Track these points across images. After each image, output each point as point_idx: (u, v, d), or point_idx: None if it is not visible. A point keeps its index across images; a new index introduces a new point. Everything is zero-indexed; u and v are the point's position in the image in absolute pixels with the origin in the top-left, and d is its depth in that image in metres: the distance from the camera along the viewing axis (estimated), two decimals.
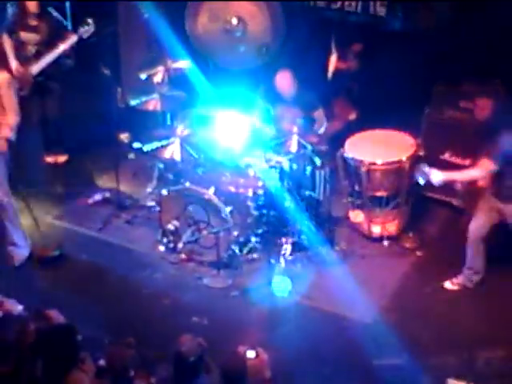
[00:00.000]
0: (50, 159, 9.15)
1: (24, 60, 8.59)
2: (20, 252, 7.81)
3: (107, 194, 8.71)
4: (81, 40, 8.66)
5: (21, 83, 8.35)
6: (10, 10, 8.92)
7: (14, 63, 8.50)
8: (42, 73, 8.64)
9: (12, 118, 7.52)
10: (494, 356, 6.73)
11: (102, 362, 5.75)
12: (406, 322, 7.13)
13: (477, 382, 6.23)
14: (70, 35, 8.63)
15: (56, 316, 5.87)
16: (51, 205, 8.60)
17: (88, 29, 8.65)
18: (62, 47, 8.60)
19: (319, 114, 8.34)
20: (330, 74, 8.91)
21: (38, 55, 8.64)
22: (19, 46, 8.66)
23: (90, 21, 8.63)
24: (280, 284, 7.49)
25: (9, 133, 7.50)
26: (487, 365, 6.67)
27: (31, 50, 8.71)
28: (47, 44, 8.67)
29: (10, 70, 8.14)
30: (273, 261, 7.68)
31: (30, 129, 8.35)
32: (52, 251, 7.91)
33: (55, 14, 9.00)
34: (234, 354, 5.71)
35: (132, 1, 9.36)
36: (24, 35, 8.69)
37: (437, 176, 6.94)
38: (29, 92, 8.55)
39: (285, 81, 8.25)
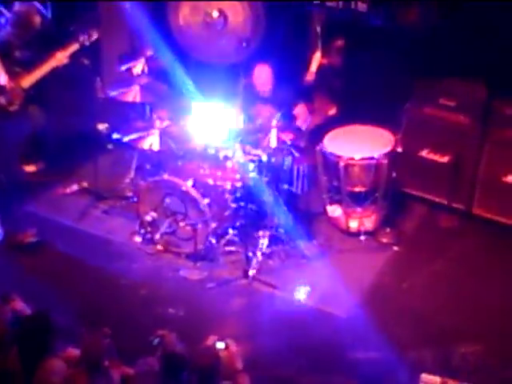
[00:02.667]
0: (28, 168, 8.90)
1: (14, 74, 8.23)
2: None
3: (85, 184, 8.66)
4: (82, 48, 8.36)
5: (11, 98, 8.20)
6: (6, 28, 8.41)
7: (3, 78, 8.15)
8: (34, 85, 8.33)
9: None
10: (470, 351, 6.77)
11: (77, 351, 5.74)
12: (383, 316, 7.14)
13: (452, 377, 6.25)
14: (71, 43, 8.29)
15: (19, 301, 5.87)
16: (28, 194, 8.53)
17: (91, 38, 8.36)
18: (61, 57, 8.24)
19: (301, 109, 8.32)
20: (313, 70, 8.90)
21: (30, 67, 8.27)
22: (10, 61, 8.25)
23: (94, 32, 8.36)
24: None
25: None
26: (462, 360, 6.70)
27: (23, 63, 8.31)
28: (38, 51, 8.36)
29: None
30: (250, 254, 7.67)
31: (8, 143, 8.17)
32: (29, 238, 7.86)
33: (39, 6, 8.86)
34: (207, 346, 5.73)
35: None
36: (18, 54, 8.32)
37: None
38: (20, 106, 8.29)
39: (262, 75, 8.24)
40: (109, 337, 5.66)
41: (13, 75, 8.21)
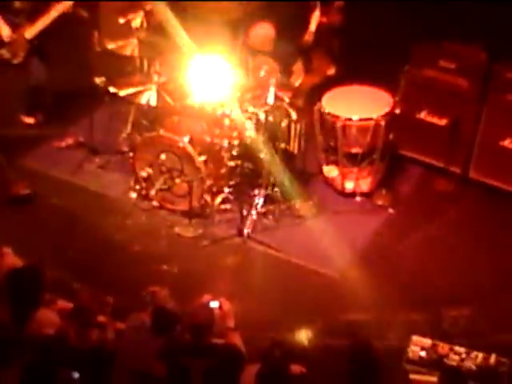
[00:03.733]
0: (27, 120, 8.89)
1: (16, 26, 8.19)
2: None
3: (81, 138, 8.62)
4: None
5: (14, 50, 8.11)
6: None
7: (5, 30, 8.11)
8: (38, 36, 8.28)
9: None
10: (461, 315, 6.80)
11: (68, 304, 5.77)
12: (376, 278, 7.17)
13: (443, 341, 6.29)
14: None
15: (11, 253, 5.88)
16: (25, 146, 8.49)
17: None
18: (64, 7, 8.20)
19: (298, 66, 8.28)
20: (312, 29, 8.83)
21: (32, 17, 8.23)
22: (11, 12, 8.22)
23: None
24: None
25: None
26: (453, 323, 6.74)
27: (23, 14, 8.26)
28: (40, 2, 8.25)
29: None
30: (245, 212, 7.67)
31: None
32: (21, 190, 7.84)
33: None
34: (201, 305, 5.75)
35: None
36: (19, 4, 8.26)
37: None
38: (24, 58, 8.26)
39: (260, 32, 8.16)
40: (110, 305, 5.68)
41: (15, 27, 8.14)
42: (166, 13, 8.53)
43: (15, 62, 8.13)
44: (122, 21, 8.46)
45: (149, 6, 8.57)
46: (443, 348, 6.23)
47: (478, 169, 8.11)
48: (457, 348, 6.20)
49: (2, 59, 7.94)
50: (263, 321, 6.63)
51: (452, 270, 7.29)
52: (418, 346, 6.24)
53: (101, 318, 5.70)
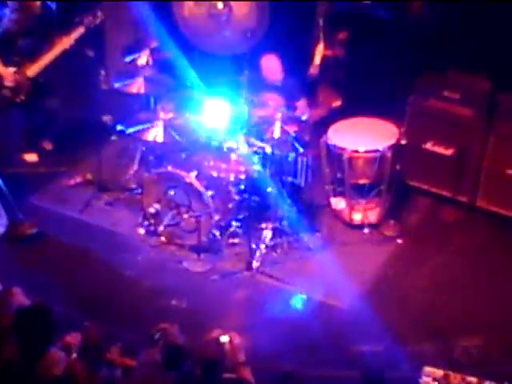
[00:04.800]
0: (28, 157, 8.88)
1: (18, 65, 8.21)
2: None
3: (89, 176, 8.67)
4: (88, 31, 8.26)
5: (16, 90, 8.15)
6: (7, 15, 8.35)
7: (7, 74, 8.11)
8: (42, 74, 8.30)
9: None
10: (472, 345, 6.76)
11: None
12: (386, 309, 7.14)
13: (454, 371, 6.26)
14: (75, 28, 8.22)
15: (20, 294, 5.88)
16: (33, 185, 8.54)
17: (96, 19, 8.26)
18: (66, 42, 8.18)
19: (302, 103, 8.33)
20: (317, 62, 8.90)
21: (33, 56, 8.24)
22: (13, 51, 8.24)
23: (99, 13, 8.29)
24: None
25: None
26: (465, 353, 6.70)
27: (25, 52, 8.27)
28: (42, 39, 8.29)
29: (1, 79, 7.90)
30: (253, 246, 7.68)
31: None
32: (29, 229, 7.87)
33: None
34: (212, 340, 5.74)
35: None
36: (21, 42, 8.28)
37: None
38: (26, 96, 8.28)
39: (270, 64, 8.23)
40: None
41: (17, 66, 8.18)
42: (171, 49, 8.63)
43: (17, 100, 8.18)
44: (127, 59, 8.55)
45: (154, 43, 8.66)
46: (455, 378, 6.17)
47: (485, 197, 8.10)
48: (469, 378, 6.13)
49: (5, 98, 7.97)
50: (273, 354, 6.61)
51: (462, 299, 7.26)
52: (430, 376, 6.18)
53: (110, 355, 5.70)
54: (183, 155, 7.88)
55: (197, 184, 7.54)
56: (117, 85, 8.37)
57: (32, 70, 8.22)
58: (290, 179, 8.05)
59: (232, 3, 8.74)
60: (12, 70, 8.15)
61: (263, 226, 7.85)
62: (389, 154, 7.82)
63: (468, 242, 7.87)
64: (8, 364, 5.47)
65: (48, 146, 8.99)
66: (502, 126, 7.92)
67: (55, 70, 8.48)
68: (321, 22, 8.92)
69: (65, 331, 5.80)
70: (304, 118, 8.24)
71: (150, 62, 8.54)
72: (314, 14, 9.12)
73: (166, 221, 7.73)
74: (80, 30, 8.23)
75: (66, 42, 8.22)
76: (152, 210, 7.75)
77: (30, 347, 5.45)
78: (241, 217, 7.83)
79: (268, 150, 7.76)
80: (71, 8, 8.98)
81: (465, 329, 6.93)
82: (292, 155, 7.99)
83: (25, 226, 7.88)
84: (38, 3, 8.35)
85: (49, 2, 9.38)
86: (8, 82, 8.04)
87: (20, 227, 7.87)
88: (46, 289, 6.57)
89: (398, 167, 8.05)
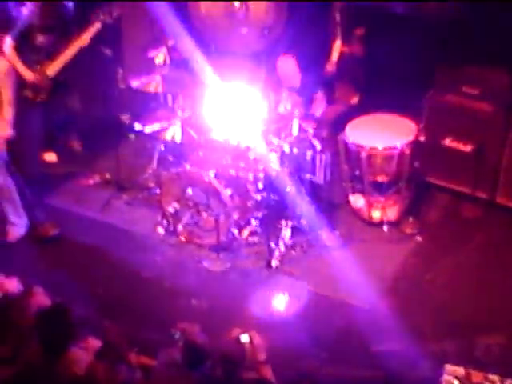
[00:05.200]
0: (47, 157, 8.92)
1: (37, 63, 8.13)
2: (16, 230, 7.86)
3: (107, 175, 8.69)
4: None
5: (37, 90, 8.12)
6: (26, 10, 8.19)
7: (27, 73, 8.01)
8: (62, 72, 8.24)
9: (9, 112, 7.41)
10: (494, 343, 6.73)
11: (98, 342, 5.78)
12: (406, 307, 7.12)
13: (476, 369, 6.23)
14: (92, 24, 8.16)
15: (41, 293, 5.91)
16: (52, 185, 8.56)
17: (113, 15, 8.18)
18: (85, 40, 8.12)
19: (318, 96, 8.32)
20: (334, 59, 8.88)
21: (52, 54, 8.19)
22: (32, 49, 8.13)
23: (115, 8, 8.20)
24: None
25: (9, 131, 7.43)
26: (487, 351, 6.67)
27: (44, 50, 8.17)
28: (60, 38, 8.22)
29: (22, 79, 7.85)
30: (272, 244, 7.67)
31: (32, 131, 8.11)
32: (51, 231, 7.91)
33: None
34: (232, 339, 5.74)
35: None
36: (41, 38, 8.17)
37: None
38: (47, 96, 8.23)
39: (286, 66, 8.22)
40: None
41: (36, 65, 8.20)
42: (189, 47, 8.62)
43: (38, 100, 8.19)
44: (146, 57, 8.56)
45: (171, 41, 8.65)
46: (477, 376, 6.15)
47: (505, 194, 8.05)
48: (491, 376, 6.12)
49: (26, 98, 7.99)
50: (293, 353, 6.59)
51: (483, 296, 7.22)
52: (452, 375, 6.16)
53: (130, 355, 5.72)
54: (201, 154, 7.88)
55: (215, 183, 7.54)
56: (134, 83, 8.38)
57: (52, 69, 8.21)
58: (308, 177, 8.04)
59: (249, 1, 8.73)
60: (32, 69, 8.16)
61: (282, 224, 7.84)
62: (407, 151, 7.79)
63: (488, 238, 7.83)
64: (30, 363, 5.51)
65: (77, 145, 9.01)
66: None
67: (73, 69, 8.47)
68: (338, 18, 8.89)
69: (85, 331, 5.81)
70: (319, 112, 8.23)
71: (168, 61, 8.53)
72: (330, 10, 9.11)
73: (184, 220, 7.73)
74: (97, 26, 8.18)
75: (83, 39, 8.20)
76: (171, 210, 7.76)
77: (51, 347, 5.49)
78: (259, 215, 7.82)
79: (286, 147, 7.76)
80: (88, 6, 9.00)
81: (486, 326, 6.89)
82: (310, 153, 7.98)
83: (47, 227, 7.92)
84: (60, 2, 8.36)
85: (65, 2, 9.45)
86: (29, 82, 8.05)
87: (42, 228, 7.92)
88: (66, 289, 6.57)
89: (416, 164, 8.02)
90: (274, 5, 8.74)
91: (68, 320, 5.60)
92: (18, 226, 7.88)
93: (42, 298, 5.96)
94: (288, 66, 8.23)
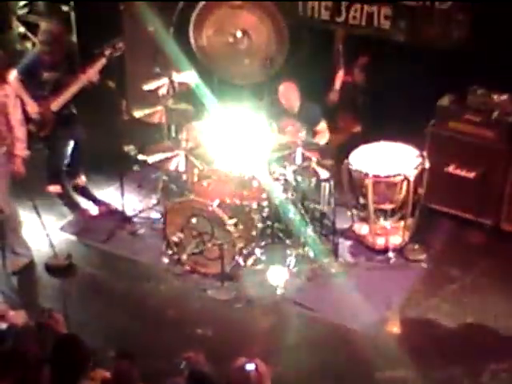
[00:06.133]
0: (52, 189, 8.89)
1: (41, 98, 8.25)
2: (19, 260, 7.87)
3: (112, 206, 8.71)
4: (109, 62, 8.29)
5: (41, 124, 8.22)
6: (37, 47, 8.50)
7: (33, 107, 8.15)
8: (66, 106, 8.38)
9: (20, 131, 7.50)
10: (501, 368, 6.70)
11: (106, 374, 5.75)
12: (411, 334, 7.12)
13: None
14: (98, 59, 8.27)
15: (61, 320, 5.90)
16: (56, 216, 8.59)
17: (117, 50, 8.29)
18: (90, 74, 8.23)
19: (322, 125, 8.36)
20: (337, 88, 8.91)
21: (57, 89, 8.30)
22: (37, 85, 8.25)
23: (120, 43, 8.34)
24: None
25: (23, 150, 7.49)
26: (493, 377, 6.64)
27: (49, 86, 8.31)
28: (65, 74, 8.34)
29: (26, 113, 7.91)
30: (277, 273, 7.66)
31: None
32: (63, 261, 7.92)
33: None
34: (238, 368, 5.71)
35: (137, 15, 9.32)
36: (46, 75, 8.28)
37: None
38: (50, 130, 8.35)
39: (289, 91, 8.27)
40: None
41: (41, 100, 8.25)
42: (192, 79, 8.68)
43: (42, 135, 8.25)
44: (148, 89, 8.61)
45: (174, 73, 8.71)
46: None
47: (509, 220, 8.07)
48: None
49: (29, 132, 8.04)
50: (300, 381, 6.58)
51: (489, 322, 7.20)
52: None
53: None
54: (205, 183, 7.90)
55: (219, 212, 7.55)
56: (138, 115, 8.42)
57: (56, 104, 8.30)
58: (312, 205, 8.05)
59: (251, 32, 8.79)
60: (37, 106, 8.21)
61: (287, 252, 7.83)
62: (411, 178, 7.81)
63: (493, 264, 7.82)
64: None
65: (82, 181, 9.03)
66: None
67: (77, 102, 8.54)
68: (340, 47, 8.95)
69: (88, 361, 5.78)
70: (323, 141, 8.26)
71: (171, 92, 8.58)
72: (333, 40, 9.17)
73: (189, 249, 7.74)
74: (102, 62, 8.28)
75: (89, 75, 8.27)
76: (175, 239, 7.76)
77: (63, 379, 5.46)
78: (264, 244, 7.82)
79: (290, 176, 7.78)
80: (91, 39, 9.08)
81: (493, 352, 6.87)
82: (314, 181, 8.00)
83: (59, 258, 7.93)
84: (67, 40, 8.42)
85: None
86: (33, 115, 8.11)
87: (54, 258, 7.93)
88: (72, 320, 6.54)
89: (420, 191, 8.03)
90: (276, 35, 8.78)
91: (82, 351, 5.58)
92: (21, 257, 7.89)
93: (61, 327, 5.94)
94: (289, 90, 8.27)
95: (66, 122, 8.47)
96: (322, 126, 8.39)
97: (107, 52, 8.25)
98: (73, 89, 8.28)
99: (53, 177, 8.84)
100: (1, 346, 5.69)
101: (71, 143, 8.68)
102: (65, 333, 5.85)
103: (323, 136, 8.37)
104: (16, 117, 7.52)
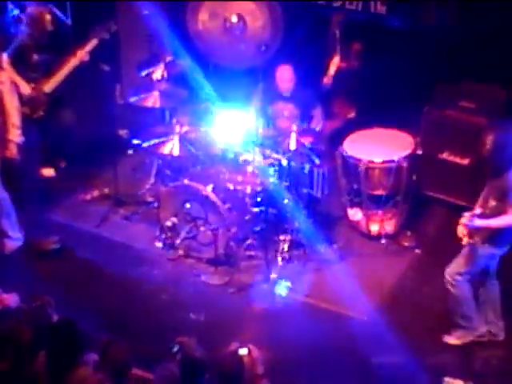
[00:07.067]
0: (45, 172, 8.88)
1: (34, 80, 8.26)
2: (12, 243, 7.89)
3: (105, 190, 8.70)
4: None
5: (34, 106, 8.22)
6: (22, 30, 8.48)
7: (25, 88, 8.16)
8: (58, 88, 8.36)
9: (18, 118, 7.48)
10: (493, 355, 6.73)
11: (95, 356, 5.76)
12: (404, 320, 7.13)
13: (475, 381, 6.22)
14: (89, 40, 8.31)
15: (51, 304, 5.90)
16: (49, 200, 8.56)
17: (109, 30, 8.35)
18: (81, 55, 8.26)
19: (317, 111, 8.35)
20: (331, 73, 8.90)
21: (49, 71, 8.31)
22: (29, 67, 8.28)
23: (112, 24, 8.38)
24: (279, 282, 7.54)
25: (19, 136, 7.47)
26: (486, 364, 6.67)
27: (41, 68, 8.32)
28: (57, 55, 8.36)
29: (19, 95, 7.90)
30: (270, 258, 7.67)
31: (30, 146, 8.05)
32: (52, 245, 7.93)
33: (58, 13, 8.90)
34: (230, 353, 5.72)
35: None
36: (36, 57, 8.32)
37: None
38: (44, 112, 8.34)
39: (286, 74, 8.25)
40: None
41: (33, 82, 8.25)
42: (187, 63, 8.66)
43: (35, 116, 8.23)
44: (143, 73, 8.59)
45: (169, 57, 8.69)
46: None
47: None
48: None
49: (23, 115, 8.03)
50: (291, 366, 6.60)
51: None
52: None
53: (135, 370, 5.70)
54: (199, 168, 7.90)
55: (213, 197, 7.55)
56: (132, 99, 8.40)
57: (49, 86, 8.29)
58: (306, 191, 8.06)
59: (246, 17, 8.77)
60: (29, 86, 8.20)
61: (280, 237, 7.84)
62: (405, 165, 7.82)
63: None
64: (33, 379, 5.49)
65: (62, 163, 9.00)
66: None
67: (70, 85, 8.52)
68: (337, 33, 8.93)
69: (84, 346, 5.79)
70: (318, 127, 8.26)
71: (165, 76, 8.56)
72: (329, 26, 9.14)
73: (182, 234, 7.74)
74: (93, 42, 8.32)
75: (80, 55, 8.29)
76: (169, 224, 7.76)
77: (58, 362, 5.46)
78: (258, 229, 7.83)
79: (284, 161, 7.77)
80: (85, 22, 9.05)
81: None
82: (308, 167, 8.00)
83: (46, 242, 7.93)
84: (49, 19, 8.40)
85: (64, 18, 9.51)
86: (26, 97, 8.10)
87: (42, 242, 7.93)
88: (65, 304, 6.55)
89: (414, 177, 8.04)
90: (271, 20, 8.77)
91: (78, 337, 5.58)
92: (14, 240, 7.90)
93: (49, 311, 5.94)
94: (284, 72, 8.25)
95: (57, 105, 8.46)
96: (318, 110, 8.37)
97: (100, 33, 8.25)
98: (65, 70, 8.30)
99: (46, 160, 8.82)
100: None
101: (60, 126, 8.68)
102: (61, 318, 5.85)
103: (318, 121, 8.35)
104: (12, 104, 7.51)
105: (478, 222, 6.40)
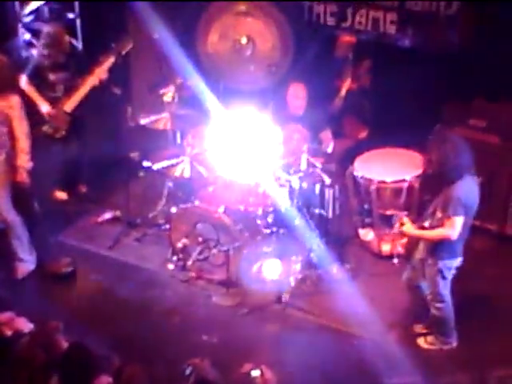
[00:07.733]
0: (58, 195, 8.96)
1: (54, 100, 8.38)
2: (24, 266, 7.91)
3: (117, 213, 8.73)
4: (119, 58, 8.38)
5: (55, 125, 8.31)
6: (37, 51, 8.63)
7: (44, 106, 8.31)
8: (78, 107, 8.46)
9: (25, 143, 7.52)
10: (507, 375, 6.68)
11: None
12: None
13: None
14: (106, 57, 8.37)
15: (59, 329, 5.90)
16: (62, 222, 8.60)
17: (126, 46, 8.40)
18: (99, 72, 8.34)
19: (326, 134, 8.34)
20: (343, 94, 8.92)
21: (69, 91, 8.42)
22: (47, 87, 8.42)
23: (127, 40, 8.44)
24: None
25: (28, 162, 7.51)
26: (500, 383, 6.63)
27: (60, 87, 8.45)
28: (74, 75, 8.46)
29: (40, 115, 8.04)
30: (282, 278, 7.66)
31: (49, 169, 8.19)
32: (64, 268, 7.95)
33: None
34: (243, 374, 5.70)
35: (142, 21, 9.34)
36: (53, 76, 8.43)
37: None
38: (66, 131, 8.44)
39: (299, 92, 8.27)
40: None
41: (53, 101, 8.33)
42: (197, 85, 8.68)
43: (58, 136, 8.29)
44: (154, 96, 8.63)
45: (179, 80, 8.72)
46: None
47: None
48: None
49: (46, 135, 8.09)
50: None
51: (496, 328, 7.19)
52: None
53: None
54: (210, 189, 7.91)
55: (225, 218, 7.55)
56: (143, 121, 8.43)
57: (69, 105, 8.38)
58: (317, 211, 8.05)
59: (256, 38, 8.80)
60: (49, 106, 8.29)
61: (292, 258, 7.83)
62: (416, 184, 7.81)
63: (498, 270, 7.82)
64: None
65: (83, 188, 9.05)
66: None
67: (84, 107, 8.58)
68: (350, 55, 8.95)
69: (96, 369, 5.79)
70: (329, 150, 8.26)
71: (176, 98, 8.60)
72: (339, 48, 9.17)
73: (194, 256, 7.73)
74: (111, 59, 8.38)
75: (98, 73, 8.37)
76: (180, 245, 7.76)
77: None
78: (269, 250, 7.82)
79: (295, 182, 7.78)
80: (97, 48, 9.11)
81: (499, 359, 6.84)
82: (319, 187, 8.00)
83: (59, 264, 7.95)
84: (67, 39, 8.51)
85: (74, 42, 9.59)
86: (46, 115, 8.18)
87: (53, 265, 7.95)
88: (78, 327, 6.55)
89: (425, 196, 8.02)
90: (281, 42, 8.80)
91: (92, 360, 5.58)
92: (27, 263, 7.92)
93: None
94: (299, 91, 8.28)
95: (76, 126, 8.53)
96: (326, 133, 8.36)
97: (116, 50, 8.31)
98: (84, 89, 8.38)
99: (63, 182, 8.87)
100: (7, 353, 5.70)
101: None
102: (73, 342, 5.85)
103: (328, 142, 8.35)
104: (22, 129, 7.52)
105: (413, 231, 6.55)
